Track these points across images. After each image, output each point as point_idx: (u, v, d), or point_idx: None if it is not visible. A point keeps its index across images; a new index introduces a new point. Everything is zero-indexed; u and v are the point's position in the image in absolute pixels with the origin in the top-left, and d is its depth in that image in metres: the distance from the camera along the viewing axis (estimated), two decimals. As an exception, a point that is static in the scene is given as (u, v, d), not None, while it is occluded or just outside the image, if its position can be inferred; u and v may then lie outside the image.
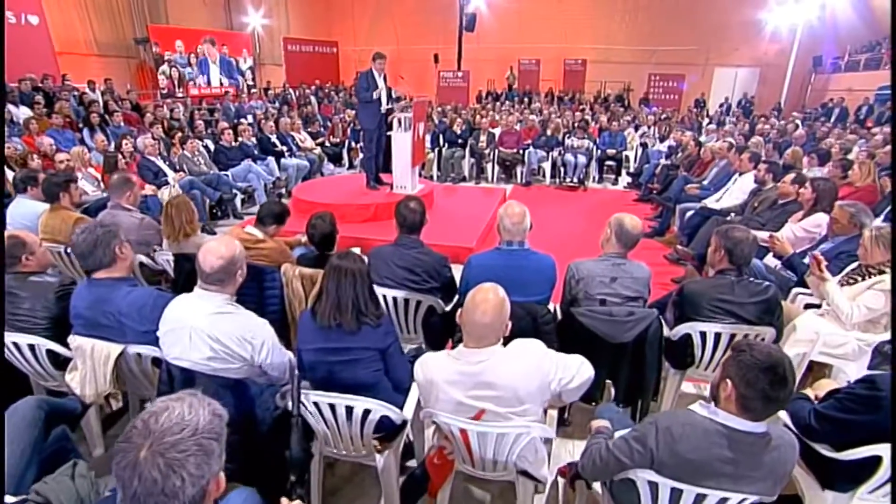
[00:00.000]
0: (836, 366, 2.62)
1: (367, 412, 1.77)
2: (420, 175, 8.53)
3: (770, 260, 3.53)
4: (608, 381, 2.44)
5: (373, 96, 5.53)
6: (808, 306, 3.00)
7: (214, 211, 6.53)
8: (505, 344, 1.71)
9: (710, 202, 5.00)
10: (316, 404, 1.79)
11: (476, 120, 9.20)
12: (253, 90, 14.88)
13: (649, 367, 2.35)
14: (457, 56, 17.51)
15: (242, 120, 9.92)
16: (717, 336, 2.26)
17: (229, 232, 3.03)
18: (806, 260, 3.13)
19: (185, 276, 2.95)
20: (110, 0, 12.26)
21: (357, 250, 2.00)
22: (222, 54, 13.94)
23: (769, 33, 16.25)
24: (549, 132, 8.22)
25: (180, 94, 12.76)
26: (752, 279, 2.22)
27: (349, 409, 1.77)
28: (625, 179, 8.13)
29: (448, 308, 2.64)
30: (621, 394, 2.41)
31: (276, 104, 13.53)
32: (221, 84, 14.25)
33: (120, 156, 5.64)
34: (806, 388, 2.36)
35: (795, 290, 3.13)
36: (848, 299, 2.53)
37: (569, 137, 7.99)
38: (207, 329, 1.80)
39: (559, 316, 2.50)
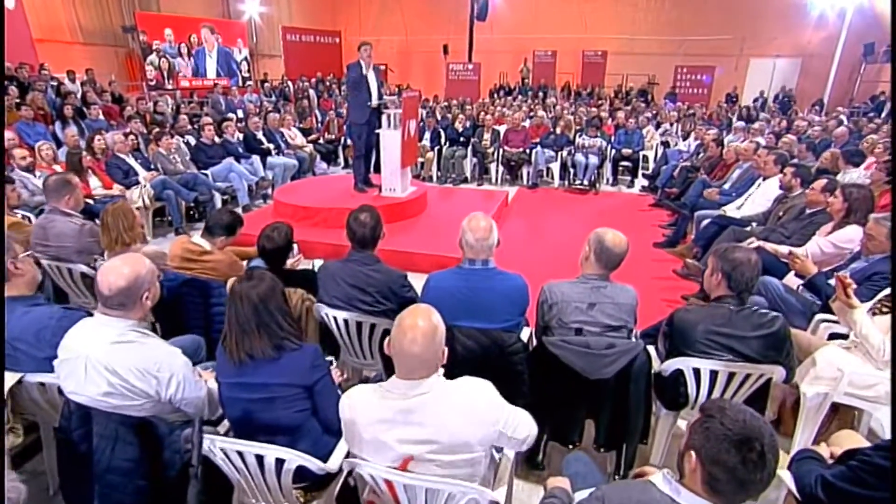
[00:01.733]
0: (865, 410, 2.40)
1: (280, 462, 1.61)
2: (420, 176, 8.49)
3: (791, 279, 3.29)
4: (589, 419, 2.26)
5: (364, 92, 5.41)
6: (833, 336, 2.77)
7: (192, 213, 6.48)
8: (452, 377, 1.55)
9: (731, 209, 4.76)
10: (224, 450, 1.63)
11: (480, 117, 9.03)
12: (248, 83, 14.94)
13: (635, 407, 2.15)
14: (468, 47, 17.40)
15: (231, 115, 9.90)
16: (714, 374, 2.05)
17: (174, 242, 2.92)
18: (832, 281, 2.90)
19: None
20: (98, -15, 12.35)
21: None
22: (221, 44, 14.01)
23: (814, 19, 15.68)
24: (558, 130, 8.01)
25: (169, 87, 12.83)
26: (755, 308, 2.02)
27: (260, 458, 1.61)
28: (642, 182, 7.88)
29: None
30: (603, 436, 2.22)
31: (273, 98, 13.59)
32: (219, 75, 14.34)
33: (87, 153, 5.60)
34: (824, 437, 2.15)
35: (819, 316, 2.90)
36: (881, 331, 2.30)
37: (580, 136, 7.78)
38: (105, 360, 1.66)
39: (535, 344, 2.32)
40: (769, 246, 3.57)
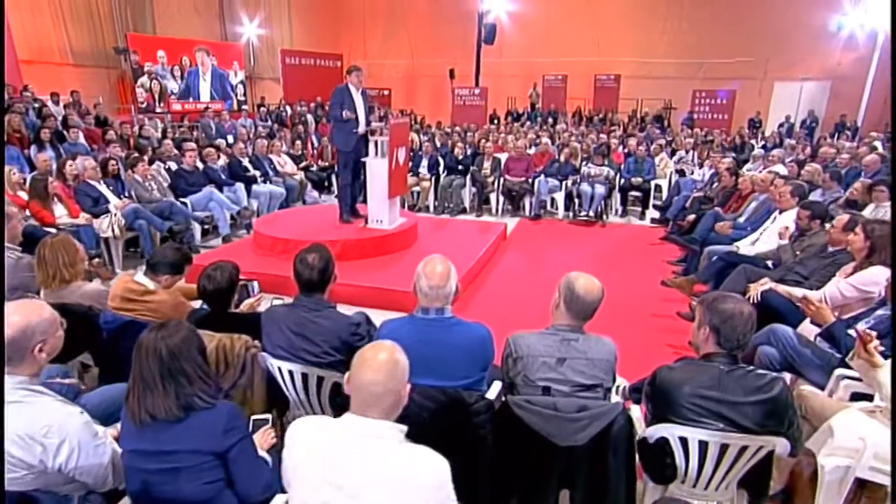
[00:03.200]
0: (897, 487, 2.18)
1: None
2: (415, 206, 8.44)
3: (807, 328, 3.10)
4: (565, 489, 2.07)
5: (342, 115, 5.39)
6: (856, 397, 2.56)
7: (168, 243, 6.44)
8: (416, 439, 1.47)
9: (744, 245, 4.59)
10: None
11: (481, 144, 9.02)
12: (244, 107, 15.22)
13: (615, 478, 1.97)
14: (474, 71, 17.66)
15: (221, 140, 10.01)
16: (704, 445, 1.87)
17: (117, 280, 2.82)
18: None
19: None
20: (90, 6, 12.76)
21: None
22: (218, 68, 14.34)
23: (843, 40, 15.68)
24: (562, 158, 7.96)
25: (160, 110, 13.08)
26: (750, 369, 1.84)
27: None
28: (653, 214, 7.75)
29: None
30: (579, 512, 2.02)
31: (269, 122, 13.78)
32: (213, 98, 14.63)
33: (58, 179, 5.61)
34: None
35: (839, 372, 2.69)
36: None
37: (586, 164, 7.71)
38: (-17, 425, 1.53)
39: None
40: (781, 288, 3.40)
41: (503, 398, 2.11)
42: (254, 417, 2.13)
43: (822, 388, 2.73)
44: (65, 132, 8.01)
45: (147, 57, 12.97)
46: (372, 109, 6.33)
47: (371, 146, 5.67)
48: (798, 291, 3.33)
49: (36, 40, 11.58)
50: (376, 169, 5.61)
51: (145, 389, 1.58)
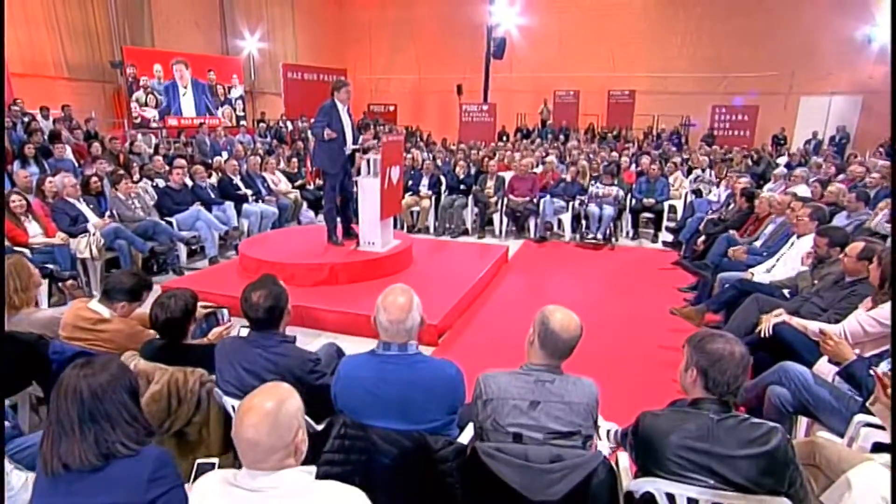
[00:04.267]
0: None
1: None
2: (414, 227, 8.39)
3: (824, 366, 2.94)
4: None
5: (324, 135, 5.36)
6: (879, 448, 2.40)
7: (150, 264, 6.42)
8: (371, 489, 1.44)
9: (759, 272, 4.45)
10: None
11: (485, 162, 8.99)
12: (242, 122, 15.39)
13: (597, 539, 1.83)
14: (483, 86, 17.78)
15: (217, 157, 10.09)
16: (695, 503, 1.73)
17: (70, 307, 2.76)
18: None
19: (7, 366, 2.66)
20: (87, 19, 13.04)
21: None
22: (207, 81, 14.52)
23: (874, 52, 15.51)
24: (568, 177, 7.89)
25: (155, 125, 13.26)
26: (744, 418, 1.71)
27: None
28: (665, 236, 7.62)
29: (320, 427, 2.22)
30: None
31: (268, 138, 13.92)
32: (205, 113, 14.81)
33: (37, 196, 5.64)
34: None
35: (860, 418, 2.53)
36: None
37: (594, 184, 7.63)
38: None
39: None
40: (796, 321, 3.25)
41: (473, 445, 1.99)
42: (199, 461, 2.03)
43: (841, 435, 2.58)
44: (51, 148, 8.09)
45: (144, 71, 13.21)
46: (367, 126, 6.32)
47: (363, 165, 5.64)
48: (814, 325, 3.18)
49: (30, 53, 11.83)
50: (368, 189, 5.56)
51: (60, 434, 1.49)
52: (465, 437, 2.16)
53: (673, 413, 1.76)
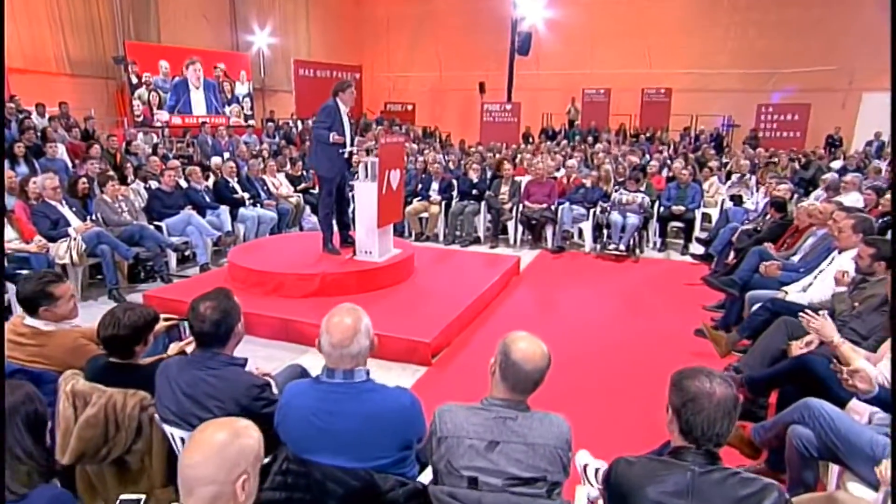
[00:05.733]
0: None
1: None
2: (422, 234, 8.30)
3: (859, 404, 2.72)
4: None
5: (330, 138, 5.34)
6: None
7: (137, 271, 6.46)
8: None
9: (794, 291, 4.22)
10: None
11: (502, 165, 8.88)
12: (250, 121, 15.55)
13: None
14: (507, 84, 17.68)
15: (217, 158, 10.17)
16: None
17: (9, 324, 2.72)
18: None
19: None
20: (91, 13, 13.33)
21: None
22: (213, 78, 14.72)
23: (950, 42, 14.99)
24: (588, 182, 7.73)
25: (158, 124, 13.48)
26: (734, 471, 1.55)
27: None
28: (697, 248, 7.38)
29: (267, 460, 2.11)
30: None
31: (276, 139, 14.02)
32: (216, 113, 15.04)
33: (20, 198, 5.72)
34: None
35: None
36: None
37: (617, 190, 7.46)
38: None
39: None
40: (846, 347, 3.00)
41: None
42: (122, 497, 1.94)
43: (875, 487, 2.37)
44: (44, 147, 8.23)
45: (147, 67, 13.45)
46: (368, 127, 6.31)
47: (360, 168, 5.59)
48: (856, 356, 2.91)
49: (31, 48, 12.09)
50: (365, 194, 5.51)
51: None
52: (425, 477, 2.03)
53: (650, 462, 1.61)
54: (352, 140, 5.63)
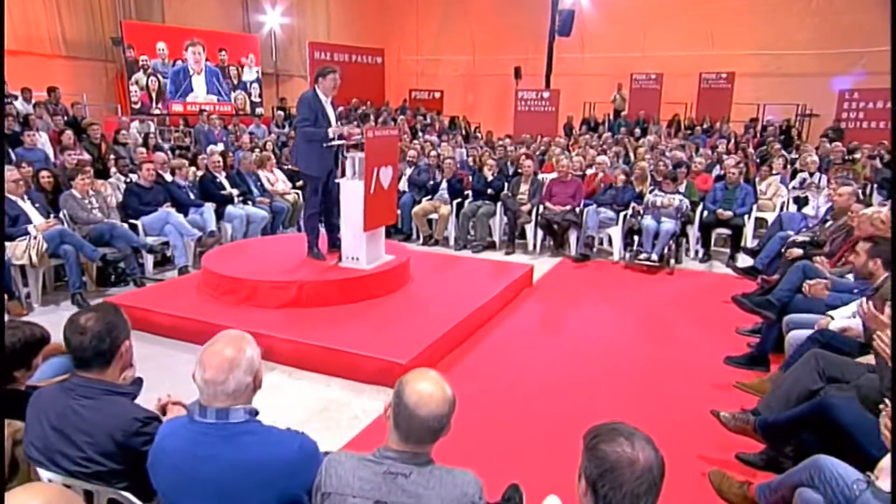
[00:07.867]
0: None
1: None
2: (431, 238, 8.19)
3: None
4: None
5: (323, 133, 5.34)
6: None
7: (108, 273, 6.51)
8: None
9: (840, 316, 3.90)
10: None
11: (521, 161, 8.70)
12: (259, 109, 15.72)
13: None
14: (545, 69, 17.44)
15: (212, 147, 10.29)
16: None
17: None
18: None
19: None
20: (89, -8, 13.62)
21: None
22: (218, 63, 14.93)
23: None
24: (618, 182, 7.48)
25: (157, 111, 13.73)
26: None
27: None
28: (745, 259, 7.04)
29: (152, 504, 2.02)
30: None
31: (286, 129, 14.13)
32: (220, 100, 15.26)
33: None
34: None
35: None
36: None
37: (652, 191, 7.20)
38: None
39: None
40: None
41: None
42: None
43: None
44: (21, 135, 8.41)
45: (145, 49, 13.72)
46: (366, 117, 6.23)
47: (347, 165, 5.52)
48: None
49: (24, 28, 12.39)
50: (350, 194, 5.42)
51: None
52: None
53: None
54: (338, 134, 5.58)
